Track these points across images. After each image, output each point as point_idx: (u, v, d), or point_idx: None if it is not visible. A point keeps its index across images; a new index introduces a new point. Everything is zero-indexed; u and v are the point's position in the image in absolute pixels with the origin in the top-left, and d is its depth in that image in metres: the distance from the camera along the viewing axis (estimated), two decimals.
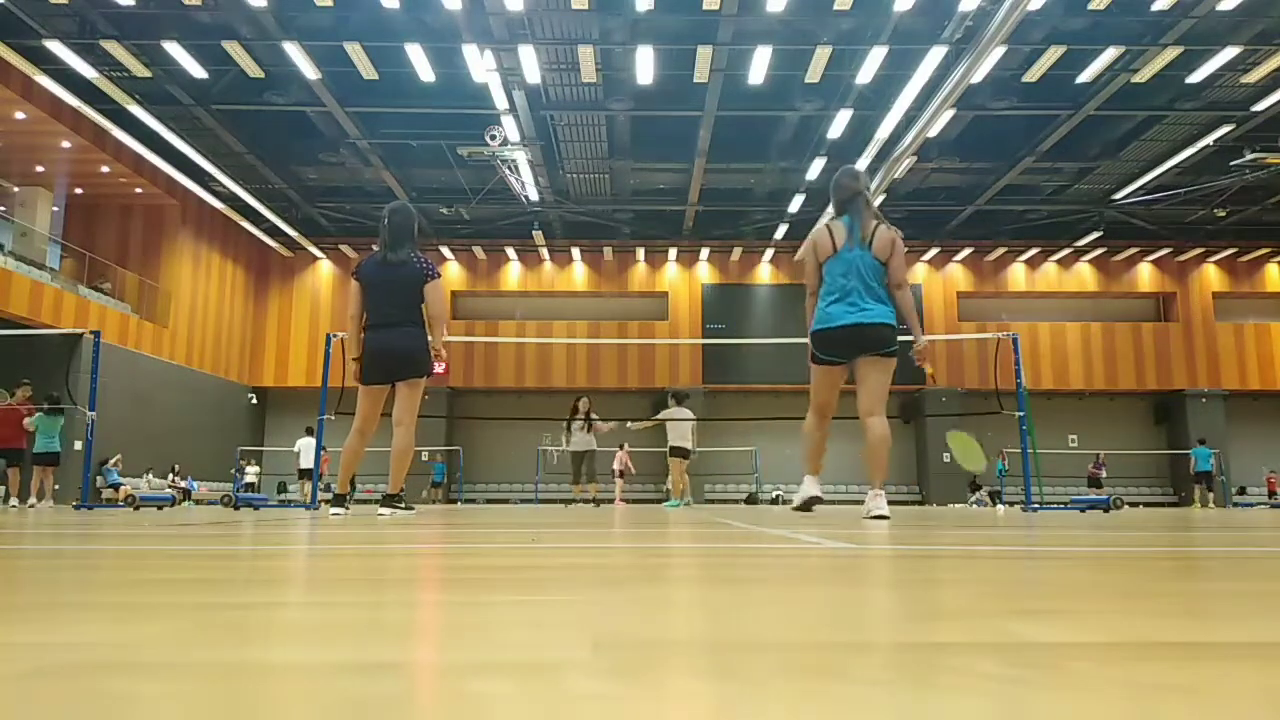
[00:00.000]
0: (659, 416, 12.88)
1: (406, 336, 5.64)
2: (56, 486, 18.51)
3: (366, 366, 5.68)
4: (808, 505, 5.26)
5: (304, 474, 18.70)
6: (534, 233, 25.21)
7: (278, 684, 0.66)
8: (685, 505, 12.24)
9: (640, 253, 27.87)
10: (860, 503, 5.42)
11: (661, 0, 14.79)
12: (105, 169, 21.24)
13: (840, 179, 5.19)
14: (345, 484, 5.85)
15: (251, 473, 23.83)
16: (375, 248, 5.92)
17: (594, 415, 12.85)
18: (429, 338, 5.74)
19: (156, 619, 0.98)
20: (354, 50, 15.82)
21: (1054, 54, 16.13)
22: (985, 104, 18.29)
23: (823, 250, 5.07)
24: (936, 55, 15.45)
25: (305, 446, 18.71)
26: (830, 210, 5.32)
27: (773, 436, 26.10)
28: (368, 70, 16.55)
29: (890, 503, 5.23)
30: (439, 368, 5.99)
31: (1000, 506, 15.78)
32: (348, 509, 5.73)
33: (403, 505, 5.97)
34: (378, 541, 2.78)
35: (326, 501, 5.81)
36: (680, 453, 12.42)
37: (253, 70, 16.91)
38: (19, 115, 18.35)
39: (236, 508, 9.63)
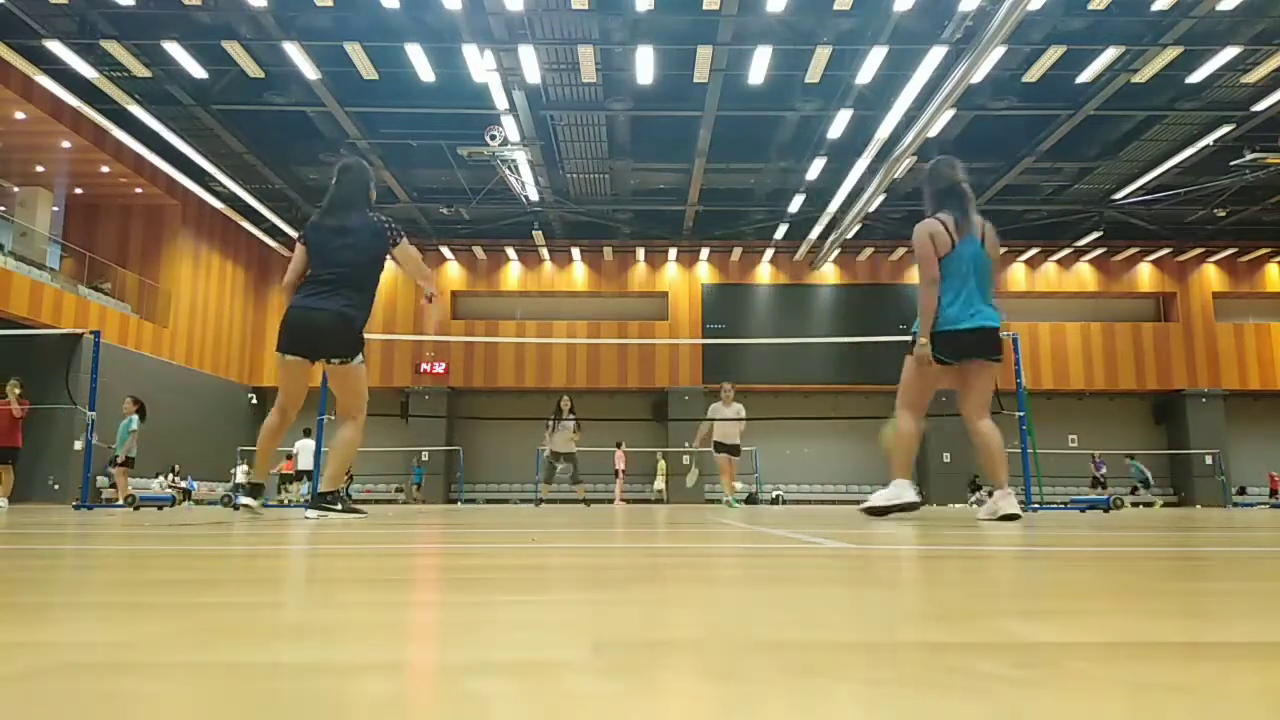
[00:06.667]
0: (708, 417, 11.78)
1: (337, 306, 4.84)
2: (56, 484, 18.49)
3: (283, 331, 4.89)
4: (911, 506, 4.94)
5: (302, 475, 18.75)
6: (534, 233, 25.20)
7: (277, 684, 0.66)
8: (729, 505, 11.46)
9: (640, 253, 27.86)
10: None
11: (661, 0, 14.79)
12: (105, 169, 21.23)
13: (939, 167, 5.06)
14: (263, 471, 5.07)
15: (241, 472, 23.77)
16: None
17: (576, 415, 12.69)
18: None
19: (156, 619, 0.98)
20: (354, 50, 15.81)
21: (1054, 54, 16.11)
22: (985, 104, 18.29)
23: (942, 245, 4.88)
24: (936, 55, 15.44)
25: (303, 448, 18.74)
26: (929, 207, 5.08)
27: (772, 436, 26.09)
28: (368, 70, 16.54)
29: None
30: (427, 297, 5.15)
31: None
32: (260, 502, 5.04)
33: (339, 507, 5.09)
34: (377, 542, 2.78)
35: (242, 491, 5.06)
36: (725, 449, 11.55)
37: (253, 70, 16.89)
38: (19, 115, 18.35)
39: (236, 508, 9.63)
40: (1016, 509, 4.74)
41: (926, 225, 4.94)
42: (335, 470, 5.13)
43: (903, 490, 4.92)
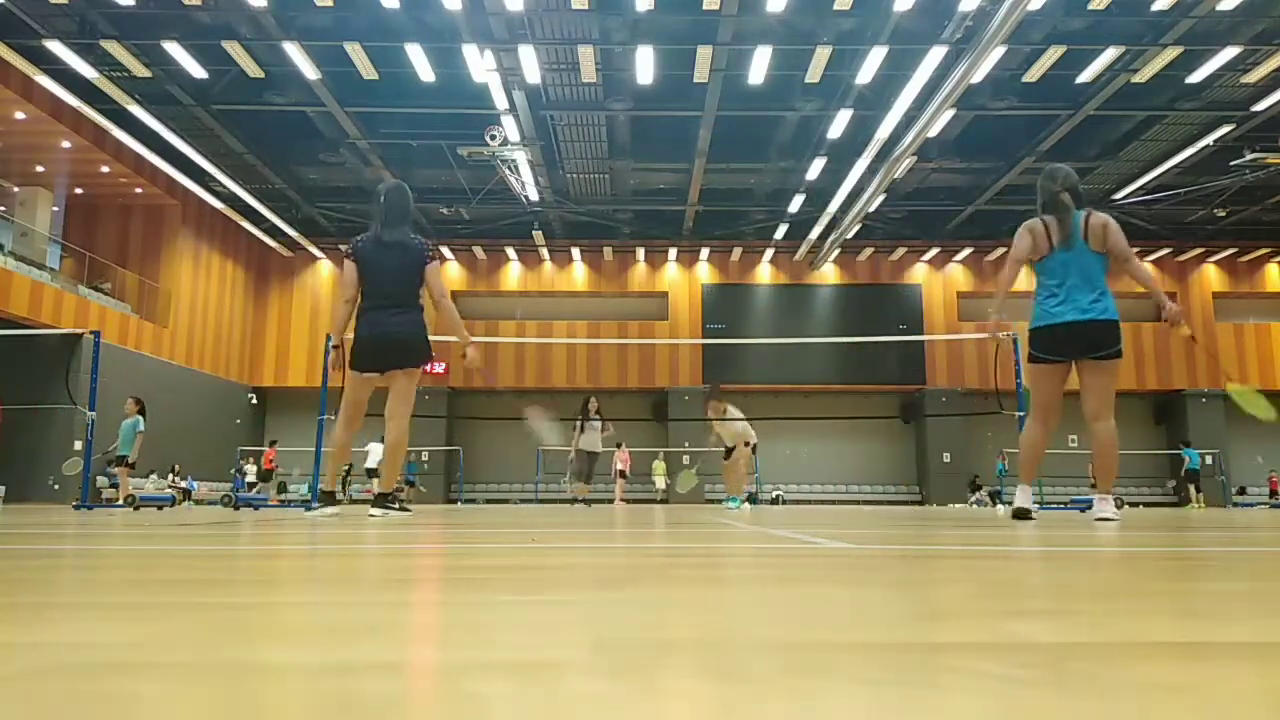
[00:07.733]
0: (718, 426, 11.18)
1: (407, 323, 5.25)
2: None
3: (359, 351, 5.23)
4: (1021, 515, 5.11)
5: (370, 472, 19.18)
6: (534, 233, 25.20)
7: (277, 684, 0.66)
8: (739, 504, 10.88)
9: (640, 253, 27.86)
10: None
11: (661, 0, 14.79)
12: (105, 169, 21.23)
13: (1041, 181, 5.14)
14: (334, 481, 5.53)
15: (251, 472, 23.84)
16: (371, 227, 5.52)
17: (603, 415, 12.70)
18: (458, 334, 5.56)
19: (157, 619, 0.98)
20: (354, 50, 15.81)
21: (1054, 54, 16.12)
22: (985, 104, 18.28)
23: (1039, 247, 4.98)
24: (936, 55, 15.44)
25: (374, 449, 19.13)
26: (1039, 209, 5.22)
27: (772, 436, 26.06)
28: (368, 70, 16.54)
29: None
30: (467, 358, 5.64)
31: (1000, 506, 15.78)
32: (337, 510, 5.45)
33: (397, 505, 5.62)
34: (377, 542, 2.78)
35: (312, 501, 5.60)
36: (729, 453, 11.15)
37: (253, 70, 16.89)
38: (19, 115, 18.34)
39: (237, 508, 9.64)
40: (1112, 514, 4.87)
41: (1028, 223, 5.08)
42: (394, 470, 5.53)
43: (1018, 497, 5.13)
